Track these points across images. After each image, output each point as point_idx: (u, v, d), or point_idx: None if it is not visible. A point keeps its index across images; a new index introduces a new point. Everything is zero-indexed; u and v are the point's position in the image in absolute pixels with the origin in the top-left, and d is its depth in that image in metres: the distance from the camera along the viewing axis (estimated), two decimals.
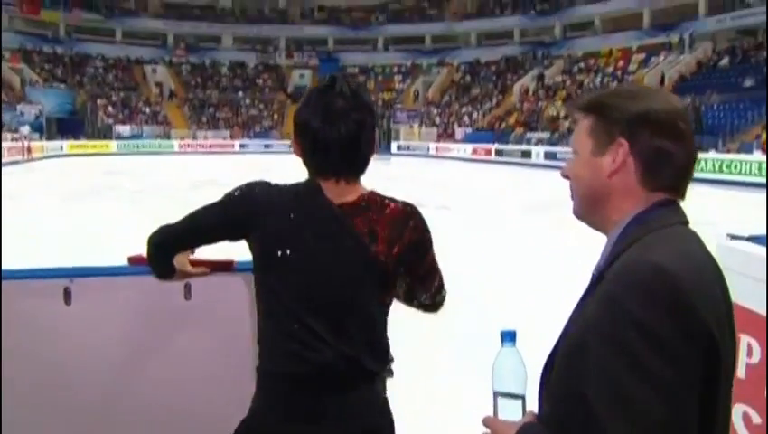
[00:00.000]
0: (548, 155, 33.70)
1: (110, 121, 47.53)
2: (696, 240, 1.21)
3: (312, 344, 1.61)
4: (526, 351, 1.31)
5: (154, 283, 1.89)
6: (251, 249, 1.71)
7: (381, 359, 1.70)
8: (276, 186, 1.74)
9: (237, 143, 46.94)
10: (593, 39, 47.57)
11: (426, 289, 1.79)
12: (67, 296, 1.95)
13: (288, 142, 47.26)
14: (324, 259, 1.63)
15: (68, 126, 44.51)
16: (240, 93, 54.60)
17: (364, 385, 1.65)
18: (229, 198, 1.76)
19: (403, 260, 1.67)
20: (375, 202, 1.70)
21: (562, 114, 40.18)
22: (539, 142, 37.82)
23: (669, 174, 1.22)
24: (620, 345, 1.04)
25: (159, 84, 53.39)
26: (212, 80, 55.52)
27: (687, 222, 1.24)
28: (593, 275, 1.25)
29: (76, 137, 43.02)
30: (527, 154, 35.99)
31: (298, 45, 58.53)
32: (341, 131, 1.64)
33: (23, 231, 10.85)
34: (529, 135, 40.04)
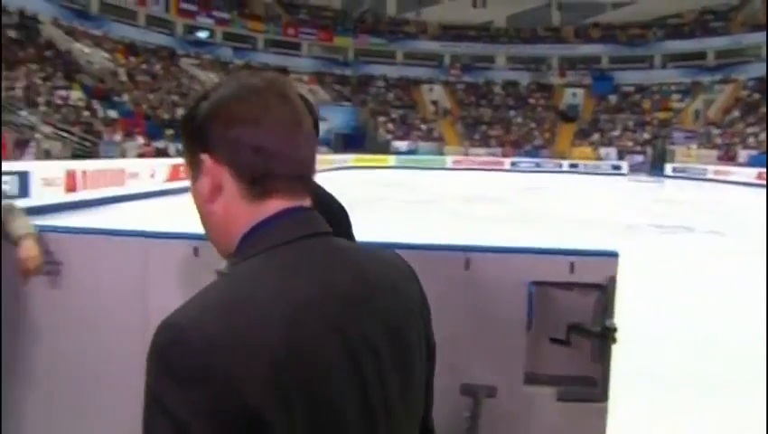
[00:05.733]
0: None
1: (389, 137, 50.85)
2: (303, 261, 0.96)
3: None
4: None
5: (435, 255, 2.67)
6: None
7: None
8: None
9: (508, 160, 47.75)
10: None
11: None
12: None
13: (560, 161, 47.35)
14: None
15: (352, 140, 48.24)
16: (512, 112, 55.55)
17: None
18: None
19: None
20: None
21: None
22: None
23: (271, 173, 0.98)
24: (146, 423, 0.85)
25: (435, 102, 56.13)
26: (486, 99, 57.12)
27: (314, 233, 1.00)
28: None
29: (358, 151, 46.62)
30: None
31: (571, 64, 58.21)
32: None
33: None
34: None
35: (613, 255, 2.69)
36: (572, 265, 2.65)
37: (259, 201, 0.98)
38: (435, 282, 2.64)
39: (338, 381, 0.91)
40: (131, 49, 41.77)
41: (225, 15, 51.71)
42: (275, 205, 0.99)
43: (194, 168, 1.01)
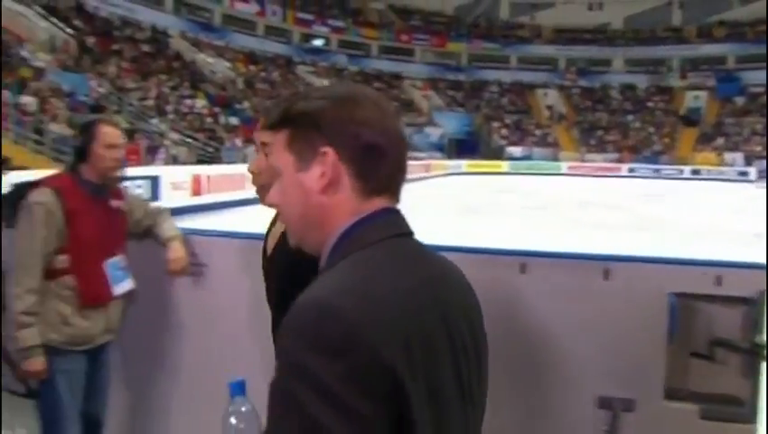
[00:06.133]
0: None
1: (503, 142, 50.23)
2: (404, 256, 1.08)
3: None
4: None
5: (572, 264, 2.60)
6: None
7: None
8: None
9: (625, 166, 46.04)
10: None
11: None
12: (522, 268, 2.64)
13: (681, 167, 45.30)
14: None
15: (465, 146, 48.00)
16: (630, 116, 53.77)
17: None
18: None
19: None
20: None
21: None
22: None
23: (382, 174, 1.09)
24: (288, 399, 0.92)
25: (550, 107, 55.11)
26: (602, 103, 55.60)
27: (405, 233, 1.12)
28: None
29: (472, 157, 46.32)
30: None
31: (693, 65, 55.77)
32: None
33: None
34: None
35: (763, 268, 2.56)
36: (718, 277, 2.54)
37: (368, 199, 1.08)
38: (573, 291, 2.61)
39: (445, 366, 1.02)
40: (250, 58, 43.27)
41: (340, 23, 52.73)
42: (378, 204, 1.09)
43: (303, 160, 1.08)
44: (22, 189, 2.76)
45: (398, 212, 1.12)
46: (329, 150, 1.06)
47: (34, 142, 18.69)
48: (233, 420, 1.21)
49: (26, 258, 2.67)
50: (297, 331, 0.93)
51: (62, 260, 2.73)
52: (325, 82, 43.87)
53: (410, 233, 1.13)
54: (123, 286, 2.89)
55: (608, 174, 44.11)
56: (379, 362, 0.92)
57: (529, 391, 2.68)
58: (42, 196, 2.70)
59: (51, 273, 2.72)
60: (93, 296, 2.80)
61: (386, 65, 53.54)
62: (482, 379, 1.15)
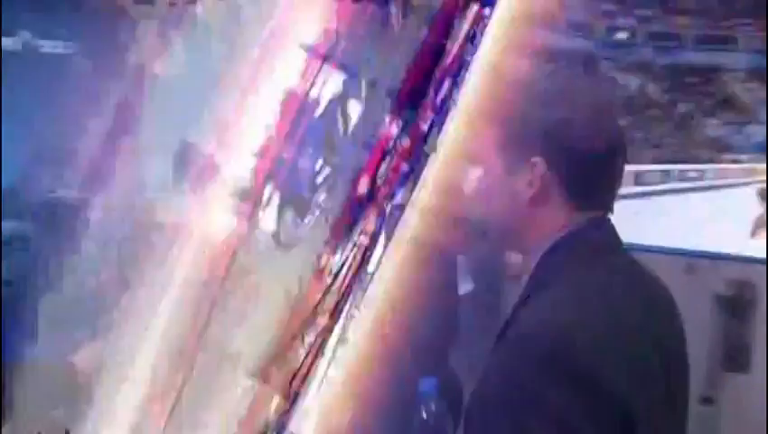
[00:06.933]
0: None
1: None
2: (625, 274, 1.05)
3: None
4: None
5: None
6: None
7: None
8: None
9: None
10: None
11: None
12: None
13: None
14: None
15: None
16: None
17: None
18: None
19: None
20: None
21: None
22: None
23: (595, 184, 1.05)
24: (518, 427, 0.90)
25: None
26: None
27: (619, 244, 1.07)
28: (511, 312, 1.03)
29: None
30: None
31: None
32: None
33: None
34: None
35: None
36: None
37: (579, 210, 1.03)
38: None
39: (661, 398, 0.99)
40: (548, 54, 43.25)
41: (647, 13, 50.62)
42: (588, 215, 1.03)
43: (511, 165, 1.03)
44: None
45: (609, 224, 1.06)
46: (538, 160, 1.01)
47: None
48: (424, 415, 1.30)
49: None
50: (534, 360, 0.91)
51: None
52: (631, 78, 42.61)
53: (621, 245, 1.08)
54: (464, 286, 2.67)
55: None
56: (617, 399, 0.90)
57: None
58: None
59: None
60: None
61: (701, 57, 49.97)
62: (684, 404, 1.10)
